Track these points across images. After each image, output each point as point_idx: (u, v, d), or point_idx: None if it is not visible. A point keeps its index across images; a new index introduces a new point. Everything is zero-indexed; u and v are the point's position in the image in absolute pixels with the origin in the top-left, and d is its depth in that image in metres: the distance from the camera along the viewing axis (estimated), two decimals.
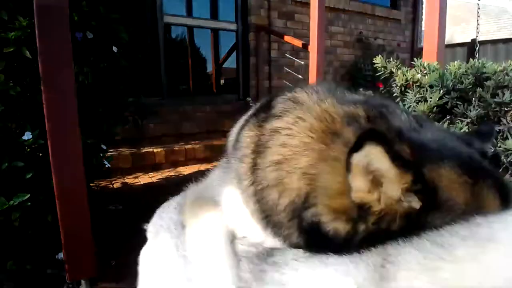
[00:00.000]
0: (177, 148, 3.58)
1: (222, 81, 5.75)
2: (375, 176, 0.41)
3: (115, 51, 1.97)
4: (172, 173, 3.36)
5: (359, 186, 0.42)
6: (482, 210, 0.41)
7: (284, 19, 5.40)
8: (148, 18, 4.49)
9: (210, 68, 5.54)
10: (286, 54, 5.42)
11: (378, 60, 2.54)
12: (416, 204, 0.41)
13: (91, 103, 1.78)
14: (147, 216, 0.72)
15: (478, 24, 4.63)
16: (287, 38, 4.94)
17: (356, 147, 0.39)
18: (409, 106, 2.08)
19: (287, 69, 5.44)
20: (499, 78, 1.96)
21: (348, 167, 0.41)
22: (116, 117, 2.10)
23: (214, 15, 5.26)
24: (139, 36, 5.04)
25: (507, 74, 1.99)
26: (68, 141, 1.42)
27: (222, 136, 4.21)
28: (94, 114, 1.85)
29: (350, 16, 6.16)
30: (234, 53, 5.35)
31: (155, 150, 3.43)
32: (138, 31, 4.99)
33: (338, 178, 0.44)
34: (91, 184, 2.10)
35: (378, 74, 2.52)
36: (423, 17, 6.32)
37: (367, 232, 0.43)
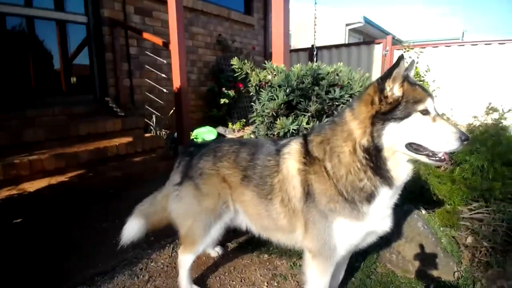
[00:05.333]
0: (17, 161, 2.98)
1: (73, 79, 5.08)
2: (399, 78, 1.28)
3: None
4: (14, 192, 2.79)
5: (389, 86, 1.29)
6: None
7: (141, 15, 5.16)
8: None
9: (57, 64, 4.80)
10: (147, 52, 5.20)
11: (235, 62, 2.74)
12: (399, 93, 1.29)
13: None
14: None
15: (315, 32, 5.49)
16: (146, 35, 4.74)
17: (395, 65, 1.26)
18: (263, 104, 2.33)
19: (149, 67, 5.22)
20: (331, 77, 2.40)
21: (389, 77, 1.27)
22: None
23: (59, 6, 4.59)
24: None
25: (337, 74, 2.44)
26: None
27: (76, 142, 3.73)
28: None
29: (209, 18, 6.36)
30: (86, 49, 4.80)
31: None
32: None
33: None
34: None
35: (237, 74, 2.71)
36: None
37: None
